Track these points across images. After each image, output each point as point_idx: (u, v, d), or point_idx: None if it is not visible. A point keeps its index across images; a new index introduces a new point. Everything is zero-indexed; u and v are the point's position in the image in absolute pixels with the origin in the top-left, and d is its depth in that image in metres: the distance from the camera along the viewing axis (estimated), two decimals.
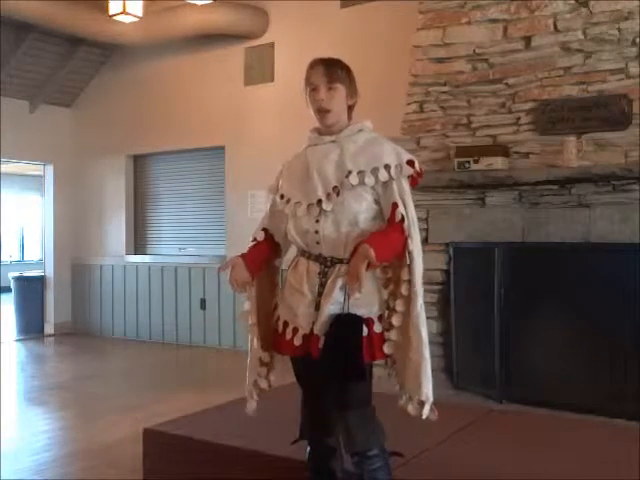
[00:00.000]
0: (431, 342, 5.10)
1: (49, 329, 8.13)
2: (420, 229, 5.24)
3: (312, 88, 2.20)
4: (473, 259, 4.77)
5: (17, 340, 7.90)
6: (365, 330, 2.10)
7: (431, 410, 2.15)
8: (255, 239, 2.35)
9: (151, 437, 3.20)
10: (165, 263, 7.54)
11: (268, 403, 2.57)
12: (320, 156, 2.22)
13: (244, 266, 2.23)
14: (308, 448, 2.32)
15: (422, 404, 2.14)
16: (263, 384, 2.35)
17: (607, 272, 4.23)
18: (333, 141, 2.22)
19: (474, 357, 4.75)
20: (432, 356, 4.99)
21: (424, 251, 5.14)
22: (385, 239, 2.11)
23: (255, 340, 2.31)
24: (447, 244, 4.87)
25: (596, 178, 4.16)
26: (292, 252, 2.36)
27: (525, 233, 4.54)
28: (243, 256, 2.27)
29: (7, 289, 9.86)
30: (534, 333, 4.47)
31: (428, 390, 2.14)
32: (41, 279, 8.27)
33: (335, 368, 2.07)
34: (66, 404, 4.95)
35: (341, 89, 2.20)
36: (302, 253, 2.24)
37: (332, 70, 2.19)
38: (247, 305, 2.33)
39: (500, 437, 3.06)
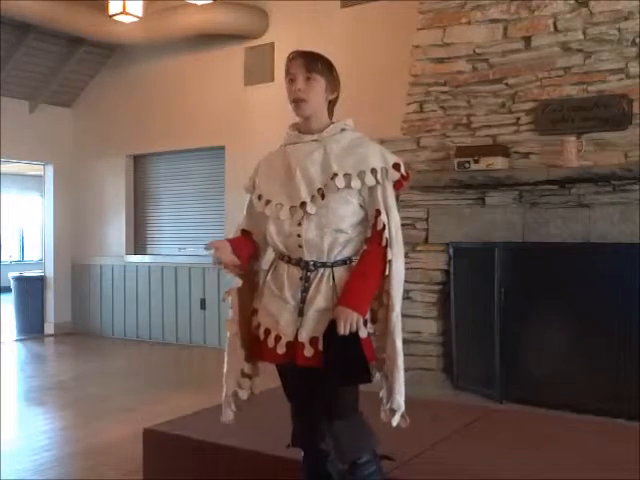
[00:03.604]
0: (431, 342, 5.16)
1: (49, 329, 8.12)
2: (420, 229, 5.28)
3: (290, 79, 2.14)
4: (473, 259, 4.77)
5: (17, 340, 7.90)
6: (365, 332, 2.08)
7: (402, 418, 2.11)
8: None
9: (151, 437, 3.20)
10: (165, 263, 7.53)
11: (268, 403, 2.57)
12: (302, 155, 2.13)
13: (230, 249, 2.15)
14: (302, 453, 2.28)
15: (394, 412, 2.10)
16: (244, 395, 2.27)
17: (607, 272, 4.23)
18: (315, 140, 2.14)
19: (474, 357, 4.75)
20: (432, 356, 5.03)
21: (424, 251, 5.17)
22: (364, 284, 2.06)
23: (238, 350, 2.23)
24: (447, 244, 4.87)
25: (596, 178, 4.16)
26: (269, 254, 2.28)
27: (525, 233, 4.53)
28: (228, 239, 2.20)
29: (7, 289, 9.86)
30: (534, 333, 4.47)
31: (400, 399, 2.08)
32: (41, 279, 8.26)
33: (340, 371, 2.01)
34: (66, 404, 4.95)
35: (320, 80, 2.12)
36: (281, 257, 2.17)
37: (311, 61, 2.12)
38: (231, 313, 2.25)
39: (500, 437, 3.06)
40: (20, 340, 7.90)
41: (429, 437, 2.94)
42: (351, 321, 1.99)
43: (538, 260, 4.53)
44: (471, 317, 4.76)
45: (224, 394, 2.28)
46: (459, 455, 2.80)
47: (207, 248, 2.18)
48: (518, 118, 4.63)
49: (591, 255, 4.34)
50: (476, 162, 4.53)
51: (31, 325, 8.17)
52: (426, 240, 4.92)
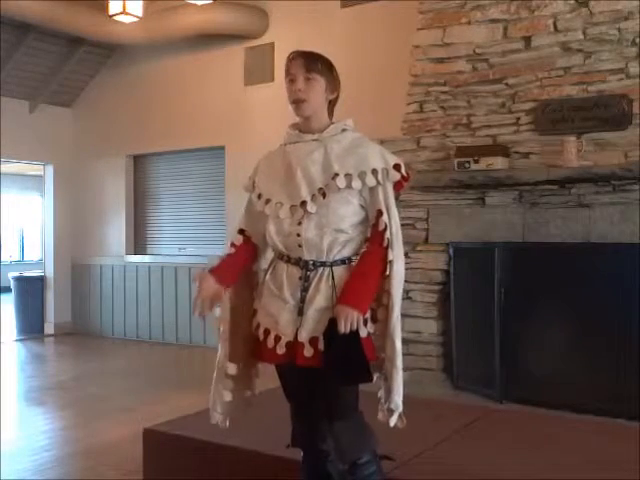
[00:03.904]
0: (431, 342, 5.16)
1: (49, 329, 8.12)
2: (420, 229, 5.28)
3: (290, 79, 2.14)
4: (473, 259, 4.77)
5: (17, 340, 7.90)
6: (365, 331, 2.07)
7: (399, 418, 2.11)
8: (233, 244, 2.26)
9: (151, 437, 3.20)
10: (165, 263, 7.53)
11: (268, 403, 2.57)
12: (303, 155, 2.12)
13: (212, 280, 2.14)
14: (302, 453, 2.28)
15: (391, 412, 2.10)
16: (227, 397, 2.26)
17: (607, 272, 4.23)
18: (316, 139, 2.14)
19: (474, 357, 4.75)
20: (432, 356, 5.03)
21: (424, 251, 5.17)
22: (364, 283, 2.05)
23: (222, 349, 2.22)
24: (447, 244, 4.87)
25: (596, 178, 4.16)
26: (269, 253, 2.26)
27: (525, 233, 4.53)
28: (211, 270, 2.17)
29: (7, 289, 9.86)
30: (534, 333, 4.47)
31: (398, 399, 2.08)
32: (41, 279, 8.27)
33: (341, 371, 2.00)
34: (66, 404, 4.95)
35: (320, 80, 2.12)
36: (280, 256, 2.16)
37: (311, 61, 2.12)
38: (218, 311, 2.23)
39: (500, 437, 3.06)
40: (20, 340, 7.90)
41: (429, 437, 2.94)
42: (351, 319, 1.98)
43: (538, 260, 4.53)
44: (471, 317, 4.76)
45: (211, 394, 2.30)
46: (459, 455, 2.80)
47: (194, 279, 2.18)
48: (518, 118, 4.63)
49: (591, 255, 4.34)
50: (476, 162, 4.53)
51: (31, 325, 8.17)
52: (426, 240, 4.92)
